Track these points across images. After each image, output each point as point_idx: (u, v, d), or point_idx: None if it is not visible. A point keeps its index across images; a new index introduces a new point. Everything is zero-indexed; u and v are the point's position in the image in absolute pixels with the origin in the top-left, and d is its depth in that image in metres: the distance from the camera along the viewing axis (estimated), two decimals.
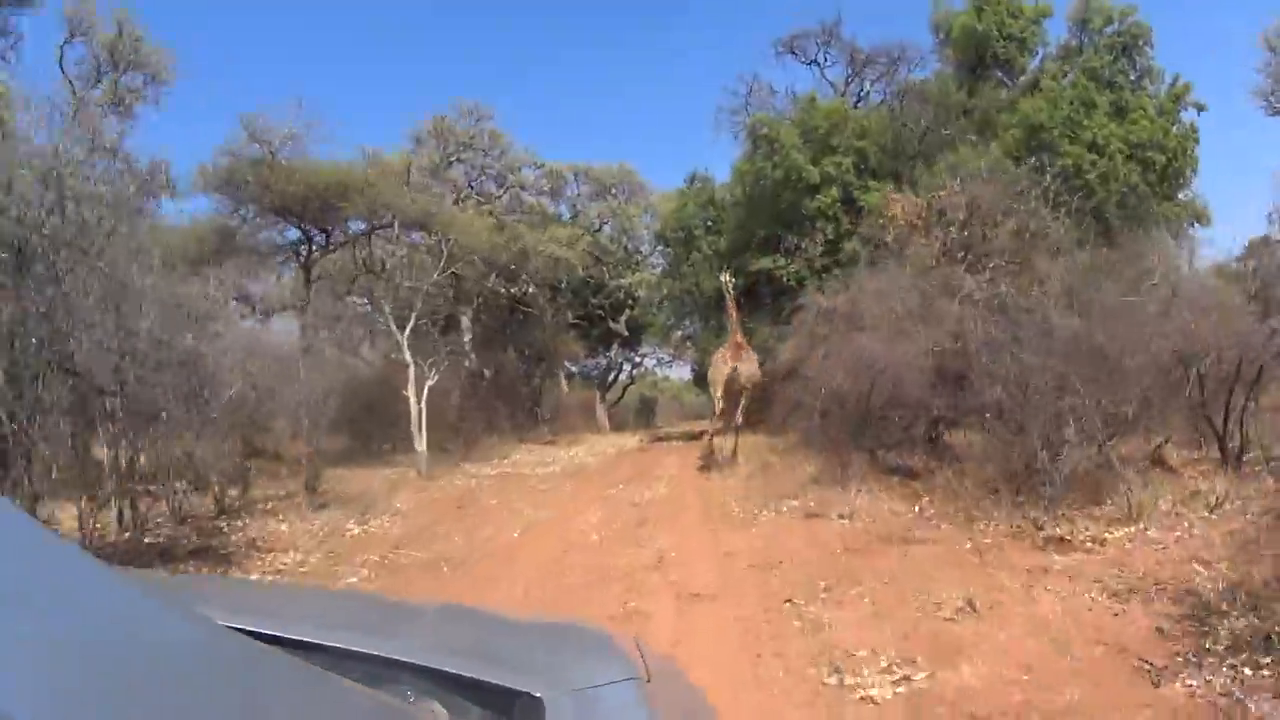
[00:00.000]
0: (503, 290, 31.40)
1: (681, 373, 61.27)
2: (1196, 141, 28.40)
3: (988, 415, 14.07)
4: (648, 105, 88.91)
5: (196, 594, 1.87)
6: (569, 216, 40.62)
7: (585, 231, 39.84)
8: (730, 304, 23.01)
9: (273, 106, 30.61)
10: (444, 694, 1.58)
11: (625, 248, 41.41)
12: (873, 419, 17.65)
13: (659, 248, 36.15)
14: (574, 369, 48.93)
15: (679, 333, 37.09)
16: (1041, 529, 11.10)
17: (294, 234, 26.84)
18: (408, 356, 21.20)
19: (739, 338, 22.36)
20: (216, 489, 14.66)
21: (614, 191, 39.98)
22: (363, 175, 24.83)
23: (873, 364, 16.71)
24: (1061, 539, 10.68)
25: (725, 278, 23.21)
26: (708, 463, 21.95)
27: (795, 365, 20.57)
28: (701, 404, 69.35)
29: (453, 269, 26.46)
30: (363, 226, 24.04)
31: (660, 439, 36.22)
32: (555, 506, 16.63)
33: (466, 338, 31.49)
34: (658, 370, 56.05)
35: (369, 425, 25.69)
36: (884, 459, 17.71)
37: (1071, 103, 26.77)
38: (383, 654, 1.63)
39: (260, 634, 1.42)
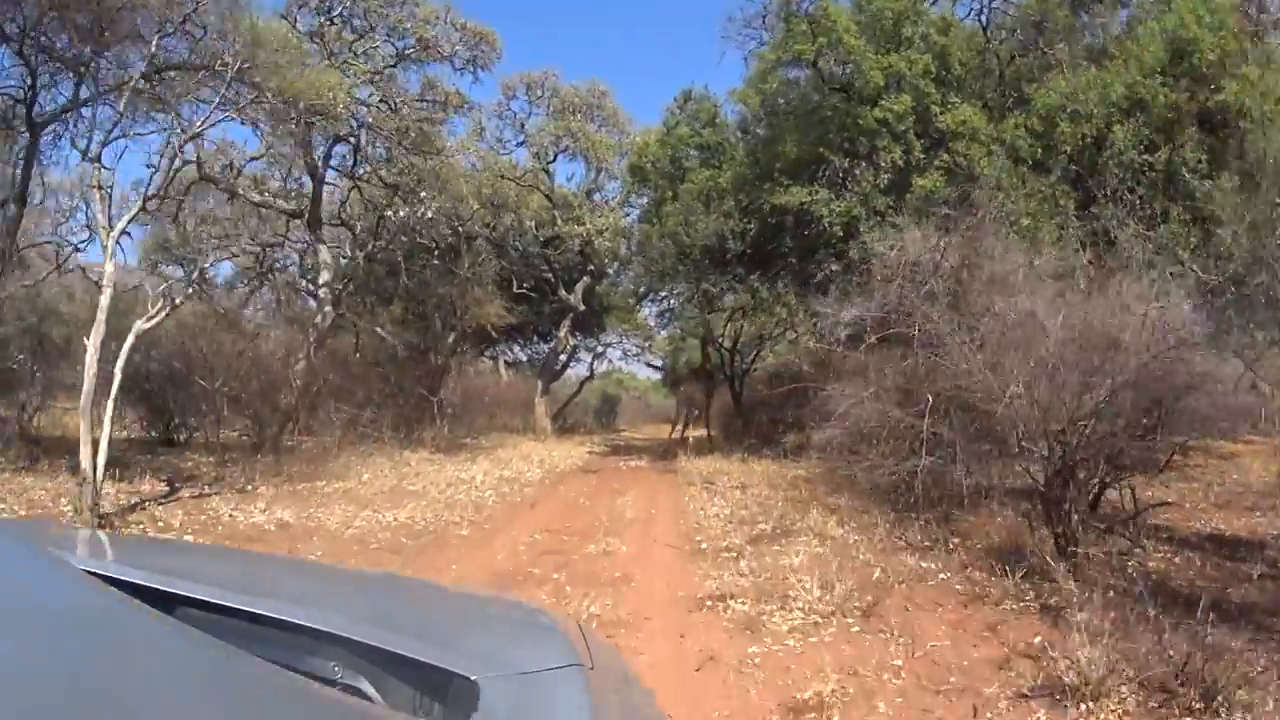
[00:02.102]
0: (393, 214, 21.22)
1: (649, 370, 54.39)
2: None
3: None
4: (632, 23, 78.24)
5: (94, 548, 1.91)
6: (516, 142, 30.87)
7: (538, 163, 30.10)
8: None
9: None
10: (374, 670, 1.55)
11: (588, 193, 32.64)
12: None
13: (634, 185, 25.56)
14: (521, 355, 42.29)
15: (652, 306, 26.94)
16: None
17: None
18: (108, 267, 11.44)
19: None
20: None
21: (580, 114, 29.82)
22: None
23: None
24: None
25: None
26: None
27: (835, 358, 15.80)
28: (670, 407, 62.73)
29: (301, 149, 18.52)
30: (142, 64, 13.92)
31: (619, 449, 29.26)
32: None
33: (323, 278, 21.43)
34: (623, 365, 47.49)
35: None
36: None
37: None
38: (309, 624, 1.58)
39: (172, 594, 1.51)
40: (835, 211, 18.90)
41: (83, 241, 23.87)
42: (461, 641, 1.75)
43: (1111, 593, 7.66)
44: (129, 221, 13.33)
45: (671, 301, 25.53)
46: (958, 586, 8.45)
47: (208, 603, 1.56)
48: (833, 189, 19.33)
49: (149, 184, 14.33)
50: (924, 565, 9.31)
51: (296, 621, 1.58)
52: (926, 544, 10.42)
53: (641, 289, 25.81)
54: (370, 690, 1.52)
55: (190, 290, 16.03)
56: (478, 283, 24.81)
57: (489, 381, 35.77)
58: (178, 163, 14.31)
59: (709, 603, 7.83)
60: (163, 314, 12.81)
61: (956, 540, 10.46)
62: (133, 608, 1.25)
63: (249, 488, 14.43)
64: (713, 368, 33.12)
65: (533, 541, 11.01)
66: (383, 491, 14.95)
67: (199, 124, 13.99)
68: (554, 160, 32.10)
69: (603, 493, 16.43)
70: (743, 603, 7.72)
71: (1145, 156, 18.08)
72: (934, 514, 11.51)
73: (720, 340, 33.45)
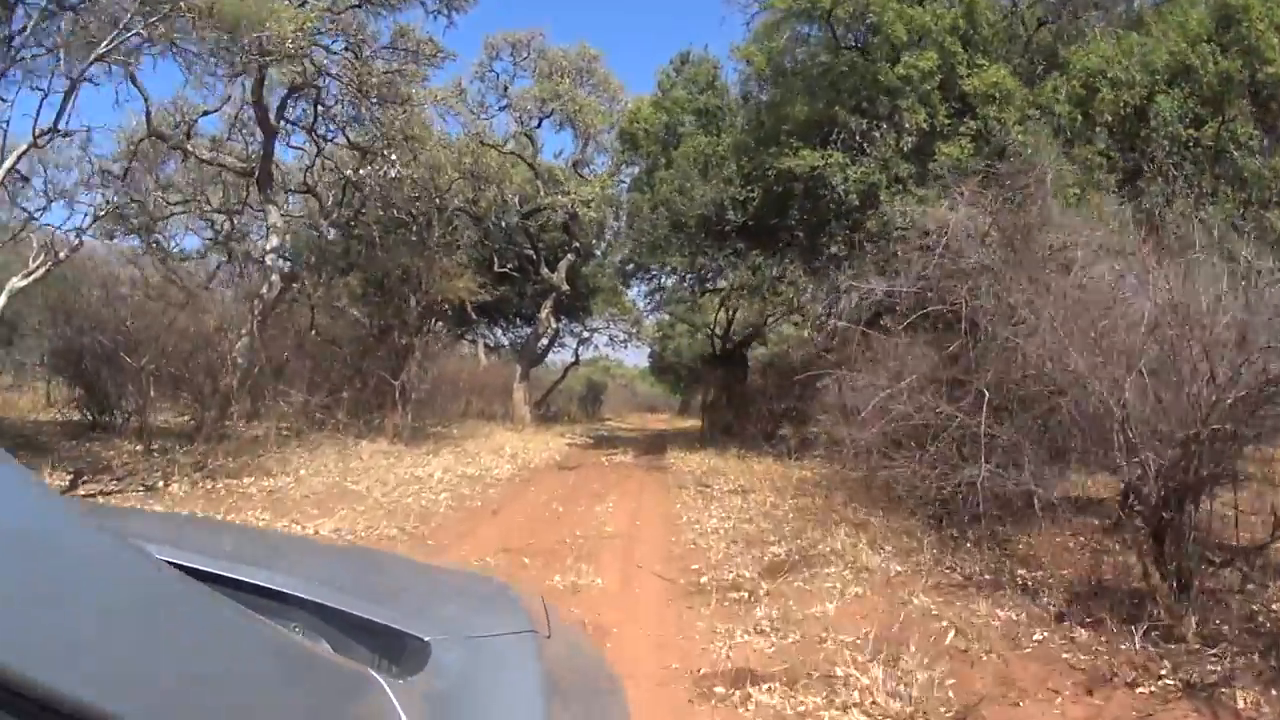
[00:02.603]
0: (353, 173, 18.73)
1: (637, 357, 52.81)
2: None
3: None
4: None
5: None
6: (499, 106, 28.24)
7: (521, 128, 27.83)
8: None
9: None
10: (332, 631, 1.60)
11: (575, 165, 30.01)
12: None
13: (624, 153, 22.94)
14: (503, 339, 39.84)
15: (640, 286, 24.29)
16: None
17: None
18: None
19: None
20: None
21: (569, 79, 27.24)
22: None
23: None
24: None
25: None
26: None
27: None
28: (658, 396, 60.88)
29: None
30: None
31: (602, 441, 26.67)
32: None
33: (271, 243, 18.68)
34: (610, 351, 45.66)
35: None
36: None
37: None
38: (268, 585, 1.65)
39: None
40: (851, 178, 16.50)
41: None
42: (421, 608, 1.81)
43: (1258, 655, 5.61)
44: (16, 160, 10.87)
45: (663, 279, 22.77)
46: (1065, 655, 6.02)
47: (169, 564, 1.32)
48: (848, 154, 16.89)
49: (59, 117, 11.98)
50: (1002, 614, 6.88)
51: (255, 583, 1.61)
52: (987, 576, 8.10)
53: (630, 265, 23.04)
54: (327, 650, 1.50)
55: (77, 245, 13.43)
56: (448, 253, 21.97)
57: (467, 366, 33.38)
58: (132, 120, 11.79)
59: (719, 688, 5.32)
60: (43, 269, 10.35)
61: (1023, 572, 8.15)
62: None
63: (161, 484, 12.03)
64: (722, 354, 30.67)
65: (482, 566, 8.43)
66: (316, 492, 12.47)
67: (102, 46, 11.46)
68: (539, 125, 29.50)
69: (579, 496, 13.99)
70: (769, 689, 5.26)
71: (1191, 131, 16.08)
72: (981, 532, 9.32)
73: (713, 327, 32.27)
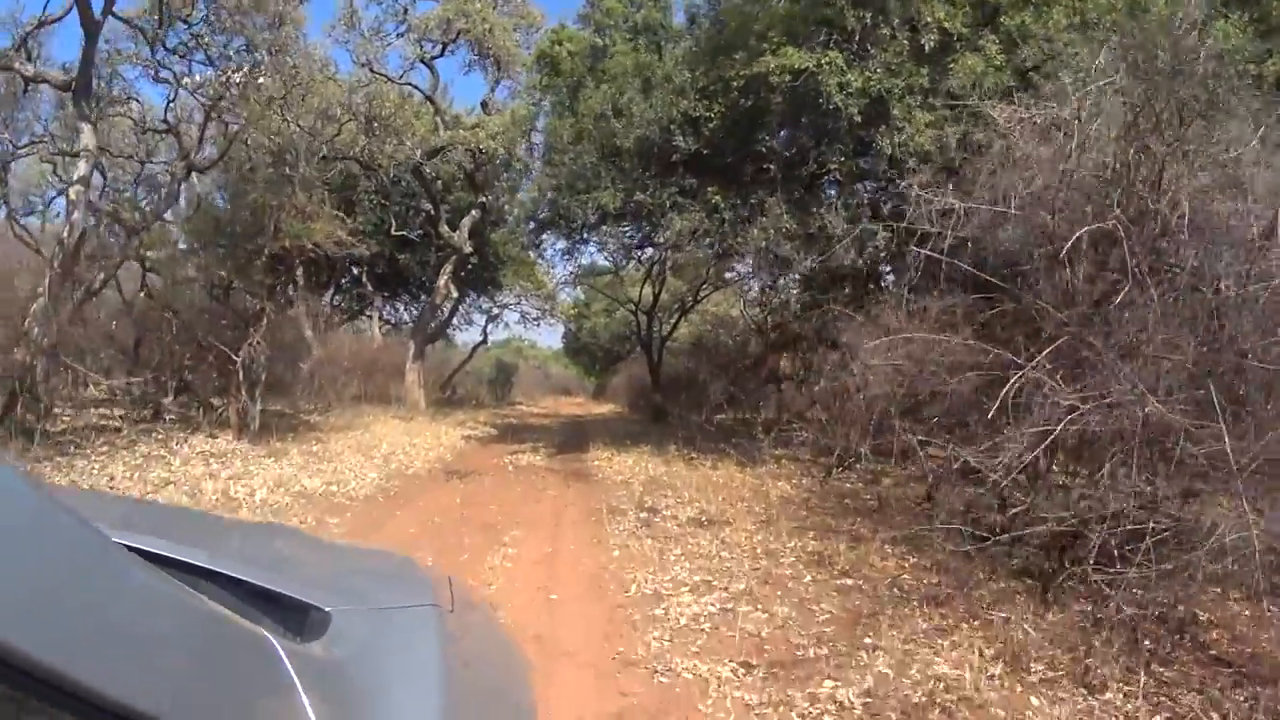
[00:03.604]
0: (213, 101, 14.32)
1: (551, 338, 49.70)
2: None
3: None
4: None
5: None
6: (397, 33, 23.51)
7: (420, 53, 23.74)
8: None
9: None
10: (237, 602, 1.56)
11: (483, 105, 25.23)
12: None
13: (543, 80, 17.64)
14: (405, 314, 34.43)
15: (557, 244, 19.25)
16: None
17: None
18: None
19: None
20: None
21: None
22: None
23: None
24: None
25: None
26: None
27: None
28: (572, 379, 56.41)
29: None
30: None
31: (509, 432, 21.25)
32: None
33: (79, 170, 13.72)
34: (522, 330, 42.00)
35: None
36: None
37: None
38: (176, 556, 1.64)
39: None
40: (852, 86, 11.78)
41: None
42: (328, 581, 1.85)
43: None
44: None
45: (586, 231, 17.17)
46: None
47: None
48: (842, 50, 12.09)
49: None
50: None
51: (162, 554, 1.59)
52: None
53: (543, 212, 17.62)
54: (226, 613, 1.43)
55: None
56: (306, 188, 16.53)
57: (362, 345, 27.97)
58: None
59: None
60: None
61: None
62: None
63: None
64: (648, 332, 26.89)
65: None
66: None
67: None
68: (441, 54, 24.12)
69: (464, 532, 8.98)
70: None
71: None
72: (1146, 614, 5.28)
73: (637, 302, 28.02)
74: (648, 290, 26.96)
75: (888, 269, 12.60)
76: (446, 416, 23.04)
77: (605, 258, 23.92)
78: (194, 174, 16.84)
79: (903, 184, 11.46)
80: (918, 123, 11.15)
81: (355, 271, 28.45)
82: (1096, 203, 6.60)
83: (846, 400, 10.90)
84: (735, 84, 12.61)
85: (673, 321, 27.90)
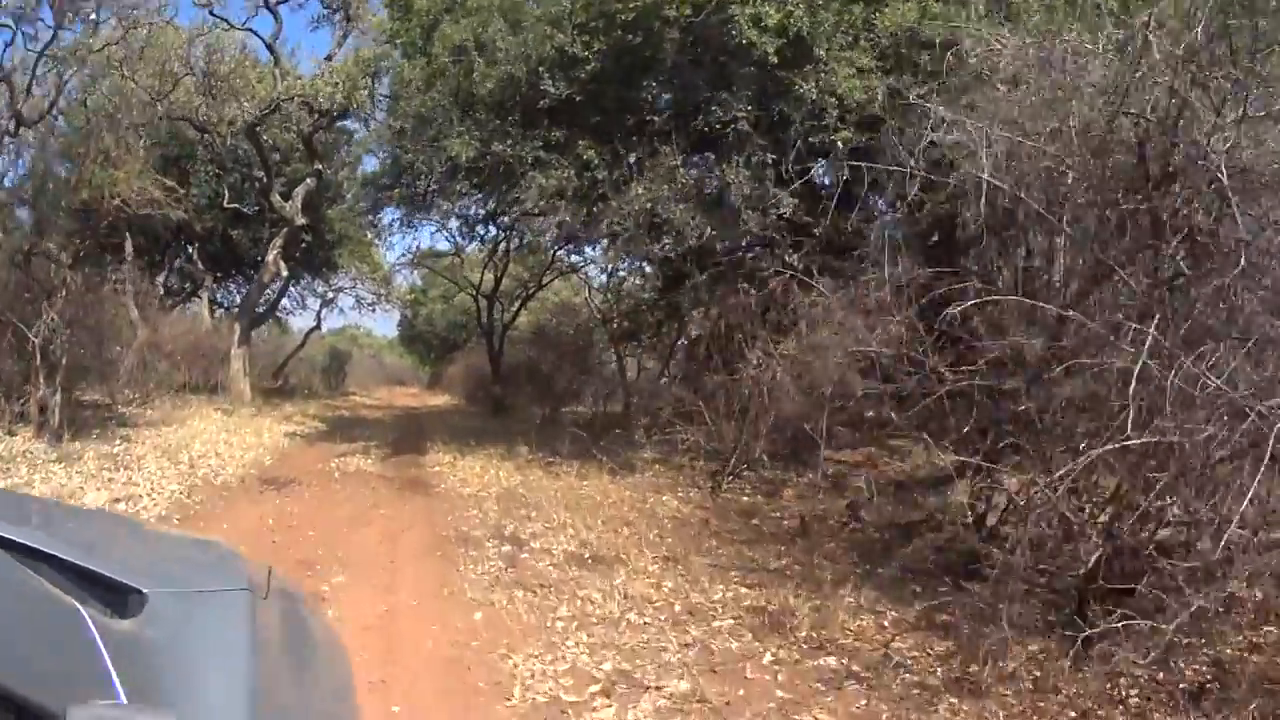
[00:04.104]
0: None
1: (387, 326, 47.80)
2: None
3: None
4: None
5: None
6: None
7: None
8: None
9: None
10: (64, 581, 1.57)
11: (329, 59, 21.36)
12: None
13: (395, 24, 14.85)
14: (236, 296, 30.26)
15: (401, 208, 16.48)
16: None
17: None
18: None
19: None
20: None
21: None
22: None
23: None
24: None
25: None
26: None
27: None
28: (406, 368, 53.69)
29: None
30: None
31: (340, 427, 18.40)
32: None
33: None
34: (357, 316, 39.90)
35: None
36: None
37: None
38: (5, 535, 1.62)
39: None
40: (768, 22, 9.62)
41: None
42: (148, 566, 1.83)
43: None
44: None
45: (430, 194, 14.36)
46: None
47: None
48: None
49: None
50: None
51: None
52: None
53: (382, 172, 15.01)
54: (42, 584, 1.51)
55: None
56: (113, 129, 13.80)
57: (191, 328, 24.47)
58: None
59: None
60: None
61: None
62: None
63: None
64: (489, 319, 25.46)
65: None
66: None
67: None
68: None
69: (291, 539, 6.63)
70: None
71: None
72: None
73: (478, 287, 26.14)
74: (490, 276, 25.22)
75: (789, 241, 10.55)
76: (274, 409, 20.18)
77: (446, 237, 22.91)
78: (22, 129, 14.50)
79: (827, 138, 9.62)
80: (841, 73, 9.10)
81: (191, 250, 25.60)
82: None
83: (757, 396, 9.03)
84: (622, 18, 10.26)
85: (514, 309, 26.25)
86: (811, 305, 8.51)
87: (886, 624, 5.30)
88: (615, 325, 18.62)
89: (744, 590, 5.94)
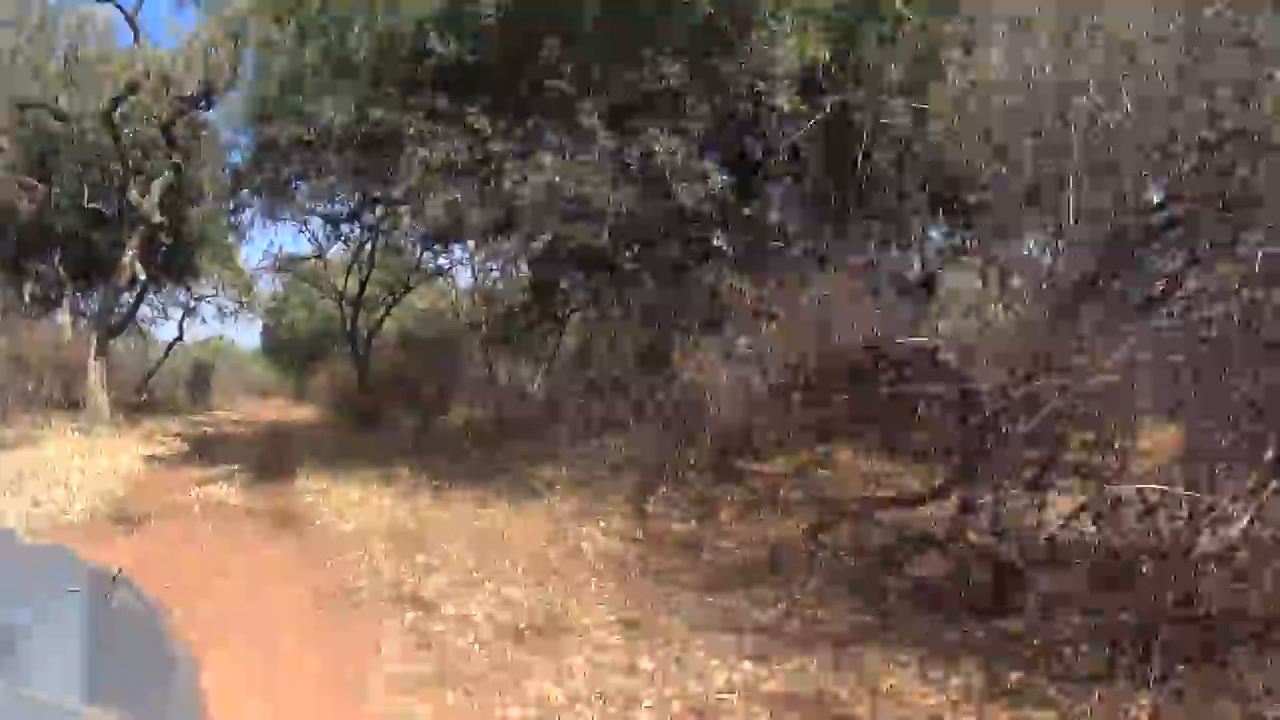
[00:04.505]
0: None
1: (251, 336, 46.20)
2: None
3: None
4: None
5: None
6: None
7: None
8: None
9: None
10: None
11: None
12: None
13: None
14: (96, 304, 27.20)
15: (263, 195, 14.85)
16: None
17: None
18: None
19: None
20: None
21: None
22: None
23: None
24: None
25: None
26: None
27: None
28: (271, 380, 51.35)
29: None
30: None
31: (203, 447, 16.75)
32: None
33: None
34: (220, 325, 38.80)
35: None
36: None
37: None
38: None
39: None
40: None
41: None
42: None
43: None
44: None
45: (295, 178, 12.61)
46: None
47: None
48: None
49: None
50: None
51: None
52: None
53: (248, 155, 13.27)
54: None
55: None
56: None
57: (55, 340, 22.93)
58: None
59: None
60: None
61: None
62: None
63: None
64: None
65: None
66: None
67: None
68: None
69: None
70: None
71: None
72: None
73: (342, 293, 25.86)
74: (354, 281, 24.87)
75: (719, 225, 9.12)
76: (134, 427, 18.42)
77: (309, 238, 22.93)
78: None
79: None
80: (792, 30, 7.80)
81: (55, 256, 23.77)
82: None
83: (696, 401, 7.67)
84: None
85: (380, 316, 25.79)
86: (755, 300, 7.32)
87: (954, 697, 3.91)
88: (485, 329, 17.98)
89: (749, 667, 4.42)
